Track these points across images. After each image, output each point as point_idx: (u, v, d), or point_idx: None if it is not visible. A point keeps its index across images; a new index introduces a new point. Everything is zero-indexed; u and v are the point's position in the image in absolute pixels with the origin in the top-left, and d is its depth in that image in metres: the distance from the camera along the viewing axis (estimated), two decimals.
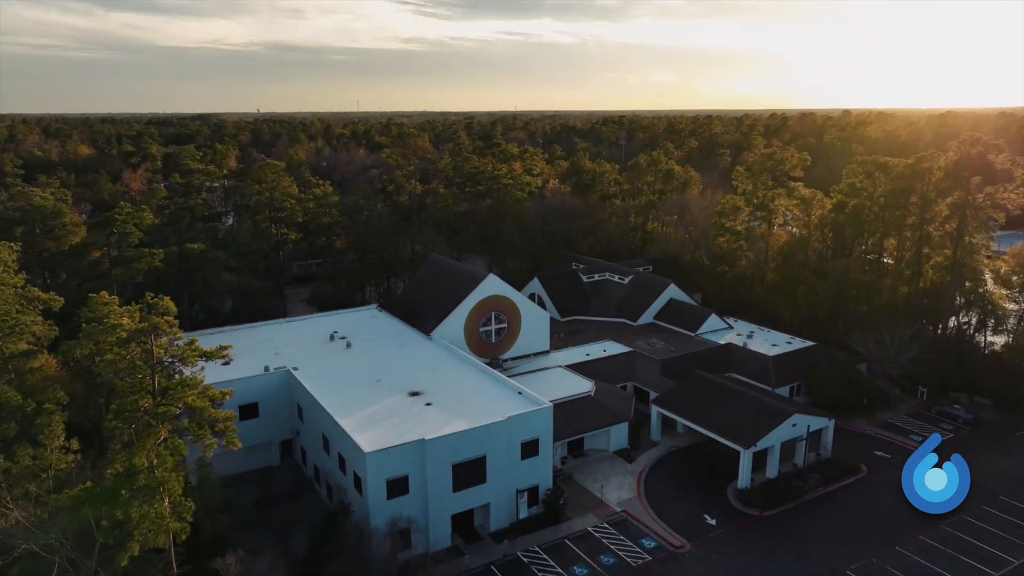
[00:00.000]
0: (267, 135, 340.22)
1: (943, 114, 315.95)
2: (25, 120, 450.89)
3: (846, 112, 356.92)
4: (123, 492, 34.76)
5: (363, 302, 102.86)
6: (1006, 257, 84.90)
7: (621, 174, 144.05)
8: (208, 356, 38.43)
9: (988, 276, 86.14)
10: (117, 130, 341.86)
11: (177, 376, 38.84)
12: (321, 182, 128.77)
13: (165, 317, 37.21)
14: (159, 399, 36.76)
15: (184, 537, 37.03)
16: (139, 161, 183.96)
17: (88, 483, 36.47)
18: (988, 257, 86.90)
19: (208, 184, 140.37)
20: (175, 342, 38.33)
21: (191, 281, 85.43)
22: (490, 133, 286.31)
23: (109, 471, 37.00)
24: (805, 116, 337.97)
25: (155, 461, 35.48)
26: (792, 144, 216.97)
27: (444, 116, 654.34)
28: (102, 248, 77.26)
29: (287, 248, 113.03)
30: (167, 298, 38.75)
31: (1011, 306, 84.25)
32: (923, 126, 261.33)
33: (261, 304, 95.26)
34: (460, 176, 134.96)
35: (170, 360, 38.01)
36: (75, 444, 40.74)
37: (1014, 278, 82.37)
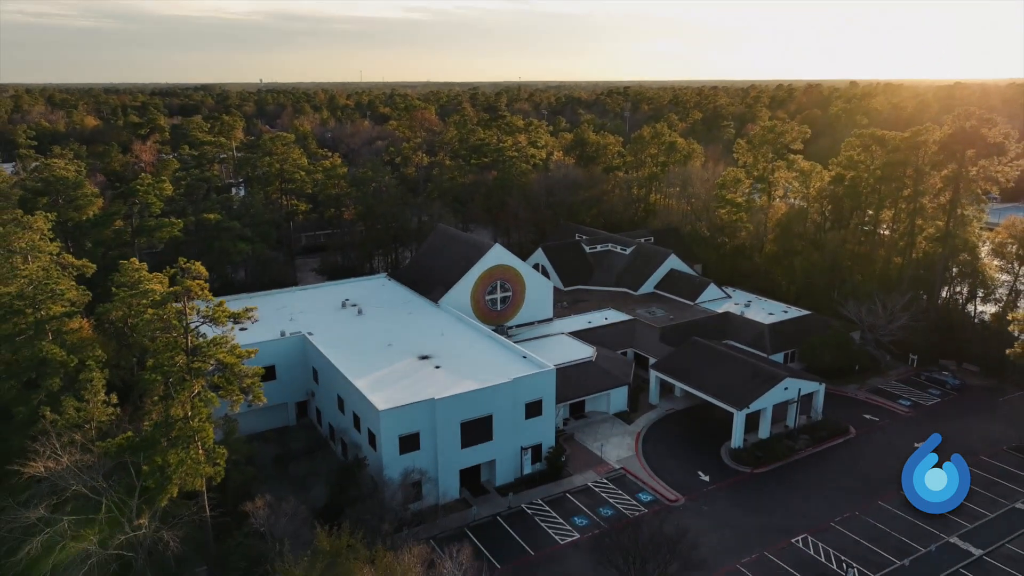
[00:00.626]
0: (271, 106, 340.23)
1: (951, 86, 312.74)
2: (29, 90, 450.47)
3: (853, 84, 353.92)
4: (161, 440, 38.10)
5: (371, 271, 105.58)
6: (999, 228, 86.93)
7: (625, 146, 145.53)
8: (236, 318, 41.40)
9: (984, 247, 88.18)
10: (122, 101, 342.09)
11: (203, 338, 41.82)
12: (329, 154, 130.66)
13: (197, 281, 40.16)
14: (192, 356, 39.85)
15: (219, 480, 40.43)
16: (147, 132, 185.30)
17: (129, 433, 39.85)
18: (982, 229, 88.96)
19: (219, 156, 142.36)
20: (206, 304, 41.29)
21: (208, 250, 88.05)
22: (495, 105, 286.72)
23: (147, 422, 40.35)
24: (811, 87, 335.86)
25: (190, 412, 38.70)
26: (797, 116, 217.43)
27: (448, 87, 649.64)
28: (126, 218, 79.93)
29: (297, 219, 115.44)
30: (198, 263, 41.66)
31: (1002, 276, 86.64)
32: (930, 98, 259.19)
33: (273, 273, 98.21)
34: (466, 148, 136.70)
35: (201, 321, 40.97)
36: (115, 398, 44.18)
37: (1011, 247, 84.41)
